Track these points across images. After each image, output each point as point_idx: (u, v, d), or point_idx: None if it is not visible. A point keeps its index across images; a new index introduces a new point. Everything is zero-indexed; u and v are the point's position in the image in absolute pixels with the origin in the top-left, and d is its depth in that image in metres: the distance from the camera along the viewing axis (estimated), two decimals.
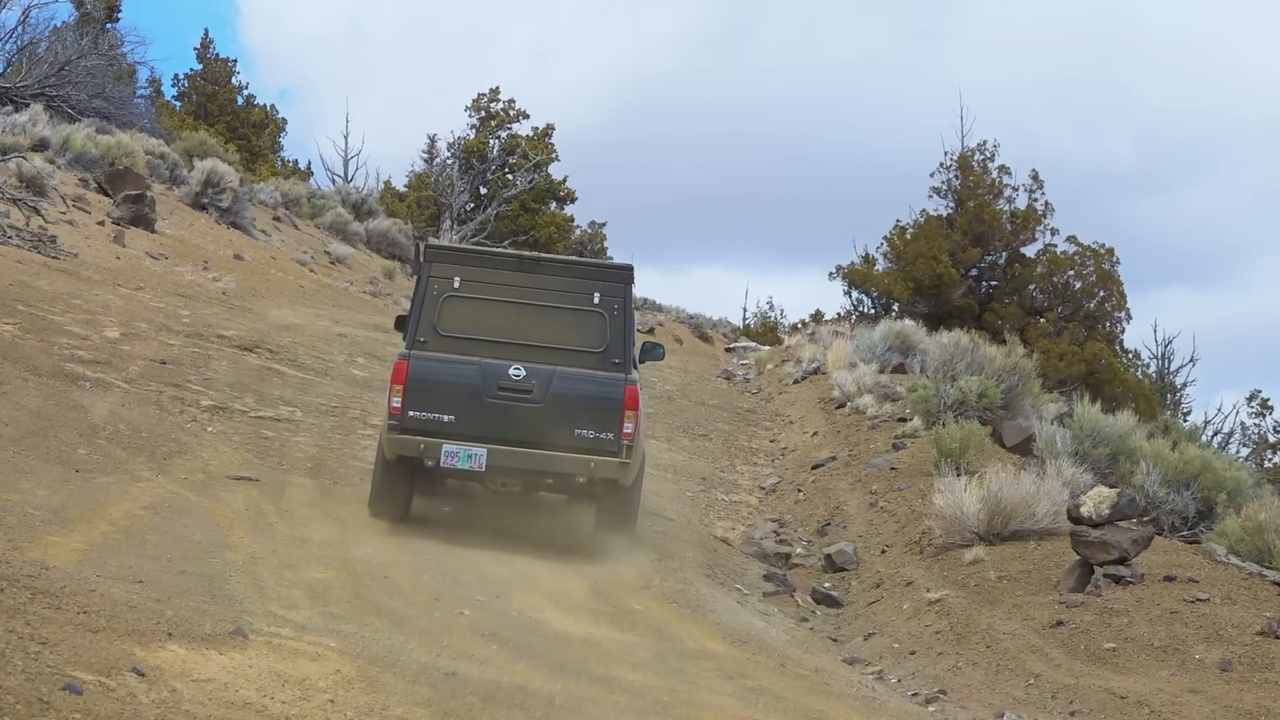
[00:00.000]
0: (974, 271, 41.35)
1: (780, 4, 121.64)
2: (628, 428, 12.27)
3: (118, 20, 44.07)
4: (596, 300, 12.53)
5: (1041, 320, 40.35)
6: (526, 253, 13.14)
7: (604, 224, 55.06)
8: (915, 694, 9.92)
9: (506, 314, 12.48)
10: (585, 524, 12.92)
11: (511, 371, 12.27)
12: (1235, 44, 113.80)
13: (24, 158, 24.01)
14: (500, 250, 13.17)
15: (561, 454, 12.24)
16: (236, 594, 9.04)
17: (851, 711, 8.92)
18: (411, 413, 12.19)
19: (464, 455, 12.20)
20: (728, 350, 36.44)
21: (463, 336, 12.40)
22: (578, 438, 12.23)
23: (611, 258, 13.10)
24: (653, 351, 14.28)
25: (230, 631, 7.45)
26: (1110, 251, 41.23)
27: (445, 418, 12.22)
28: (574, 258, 13.18)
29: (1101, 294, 40.99)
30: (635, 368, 13.46)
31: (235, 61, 53.90)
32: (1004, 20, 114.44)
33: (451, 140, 51.67)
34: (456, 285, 12.50)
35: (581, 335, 12.49)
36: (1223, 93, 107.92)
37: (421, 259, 12.74)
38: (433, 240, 13.03)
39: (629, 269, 12.87)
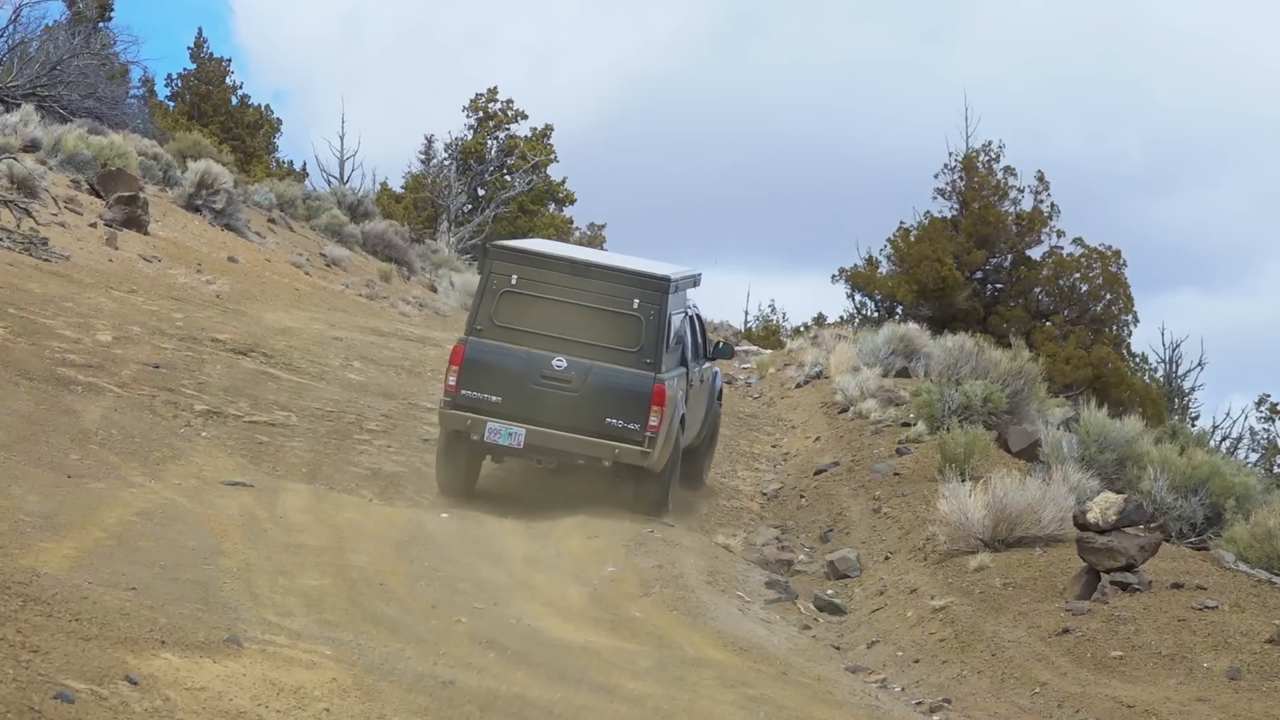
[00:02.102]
0: (979, 274, 41.14)
1: (784, 4, 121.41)
2: (653, 420, 13.68)
3: (110, 19, 43.94)
4: (635, 305, 13.88)
5: (1047, 323, 40.08)
6: (577, 257, 14.52)
7: (604, 226, 55.00)
8: (919, 703, 9.90)
9: (555, 311, 13.86)
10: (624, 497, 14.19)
11: (554, 362, 13.73)
12: (1248, 41, 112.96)
13: (15, 159, 23.85)
14: (555, 254, 14.52)
15: (592, 439, 13.70)
16: (231, 601, 9.02)
17: None
18: (464, 391, 13.74)
19: (505, 433, 13.70)
20: None
21: (515, 328, 13.83)
22: (607, 426, 13.68)
23: (694, 271, 14.80)
24: (724, 350, 16.88)
25: (224, 639, 7.40)
26: (1117, 254, 40.99)
27: (493, 398, 13.71)
28: (620, 265, 14.55)
29: (1108, 297, 40.79)
30: (704, 363, 15.88)
31: (229, 61, 53.65)
32: (1012, 20, 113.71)
33: (449, 141, 51.55)
34: (514, 282, 13.92)
35: (619, 335, 13.84)
36: (1234, 91, 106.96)
37: (484, 256, 14.21)
38: (498, 241, 14.92)
39: (666, 279, 14.09)
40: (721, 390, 17.34)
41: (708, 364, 16.33)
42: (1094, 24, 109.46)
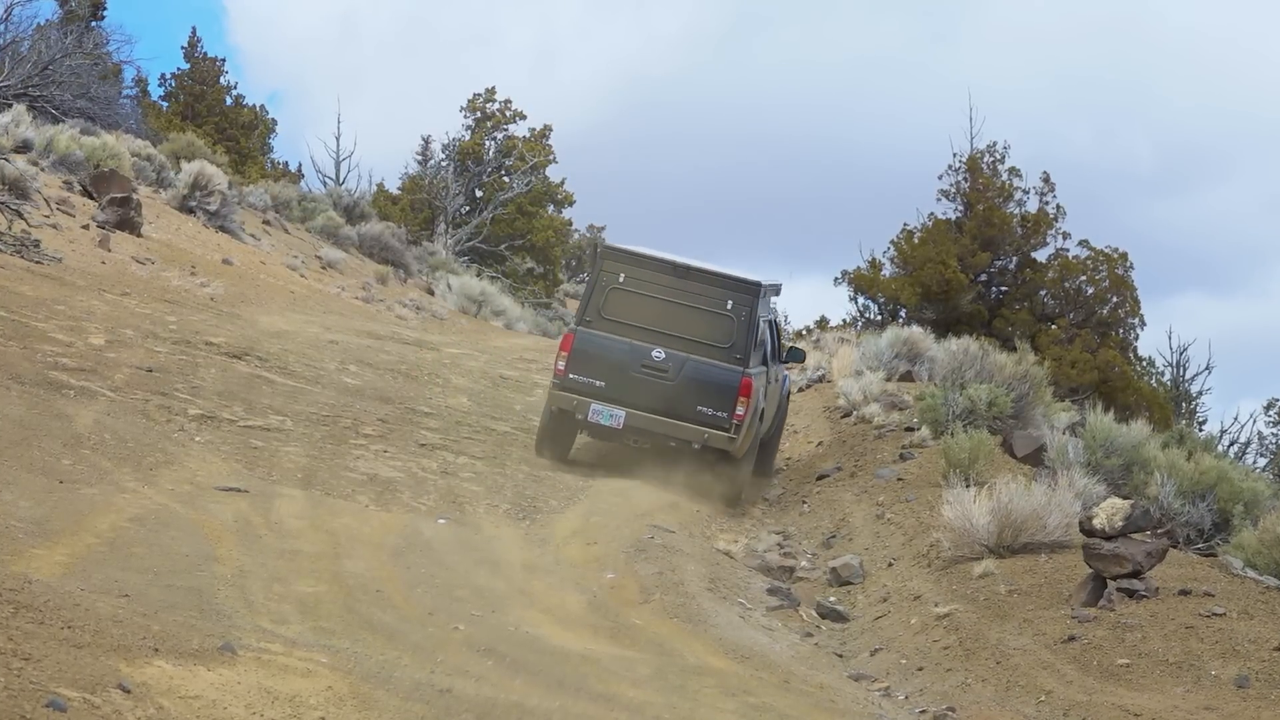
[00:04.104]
0: (983, 277, 40.88)
1: (786, 4, 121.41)
2: (739, 410, 15.33)
3: (103, 18, 43.81)
4: (729, 306, 15.58)
5: (1053, 327, 39.80)
6: (679, 261, 15.88)
7: (603, 228, 54.98)
8: (923, 711, 9.83)
9: (657, 308, 15.58)
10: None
11: (654, 353, 15.46)
12: (1259, 38, 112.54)
13: (6, 159, 23.69)
14: (660, 257, 15.97)
15: (684, 424, 15.39)
16: (225, 608, 8.94)
17: None
18: (571, 375, 15.48)
19: (607, 414, 15.42)
20: None
21: (620, 321, 15.57)
22: (698, 413, 15.35)
23: (779, 282, 17.45)
24: (796, 354, 18.62)
25: (218, 647, 7.38)
26: (1124, 256, 40.75)
27: (597, 382, 15.41)
28: (717, 270, 16.03)
29: (1115, 300, 40.55)
30: (777, 363, 17.39)
31: (224, 61, 53.56)
32: (1020, 20, 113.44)
33: (446, 142, 51.39)
34: (621, 280, 15.69)
35: (713, 332, 15.53)
36: (1244, 91, 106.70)
37: (596, 256, 15.97)
38: (609, 242, 17.06)
39: (758, 285, 15.78)
40: (790, 393, 19.07)
41: (780, 366, 17.88)
42: (1103, 24, 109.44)
